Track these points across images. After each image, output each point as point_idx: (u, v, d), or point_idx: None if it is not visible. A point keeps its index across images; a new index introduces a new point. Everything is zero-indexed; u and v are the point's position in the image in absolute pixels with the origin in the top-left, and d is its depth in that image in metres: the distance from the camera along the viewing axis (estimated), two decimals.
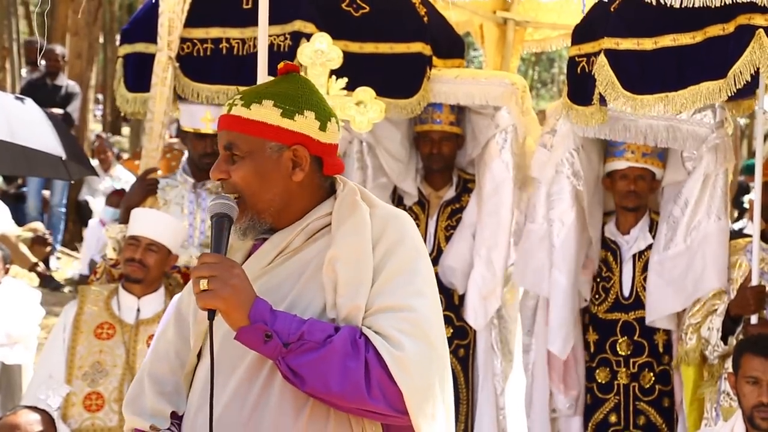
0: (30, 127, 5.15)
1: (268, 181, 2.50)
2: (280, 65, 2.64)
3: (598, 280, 5.27)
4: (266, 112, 2.50)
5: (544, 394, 5.34)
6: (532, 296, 5.41)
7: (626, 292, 5.20)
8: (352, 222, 2.50)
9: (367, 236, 2.48)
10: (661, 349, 5.13)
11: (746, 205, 9.24)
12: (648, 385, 5.16)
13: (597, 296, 5.26)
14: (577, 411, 5.29)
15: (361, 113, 4.11)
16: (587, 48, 4.77)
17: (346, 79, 4.09)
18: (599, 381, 5.24)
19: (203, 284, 2.34)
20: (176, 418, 2.58)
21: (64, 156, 5.12)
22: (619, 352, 5.20)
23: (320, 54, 4.03)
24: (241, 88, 2.95)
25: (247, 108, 2.51)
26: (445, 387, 2.48)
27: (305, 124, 2.52)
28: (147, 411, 2.60)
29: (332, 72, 4.17)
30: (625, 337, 5.19)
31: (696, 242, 4.96)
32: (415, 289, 2.46)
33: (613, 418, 5.21)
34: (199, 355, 2.60)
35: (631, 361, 5.18)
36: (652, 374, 5.15)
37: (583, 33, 4.88)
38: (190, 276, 2.40)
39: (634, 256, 5.21)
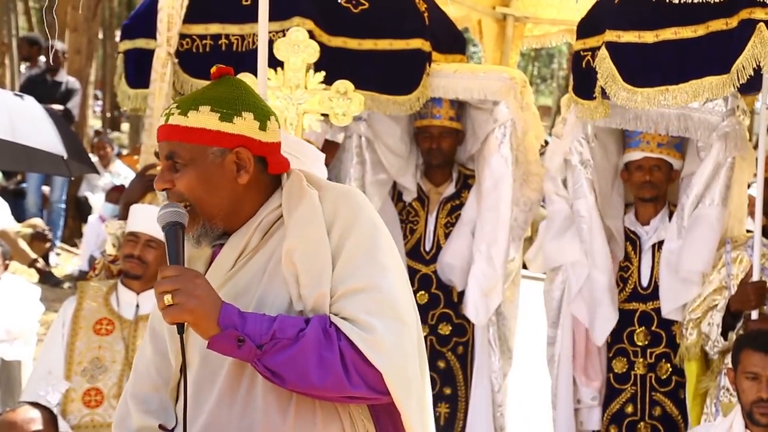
0: (31, 125, 5.15)
1: (214, 187, 2.49)
2: (213, 69, 2.61)
3: (617, 269, 5.28)
4: (204, 118, 2.47)
5: (569, 386, 5.33)
6: (557, 287, 5.39)
7: (645, 282, 5.20)
8: (302, 210, 2.48)
9: (319, 221, 2.46)
10: (678, 340, 5.10)
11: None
12: (665, 376, 5.15)
13: (615, 286, 5.27)
14: (600, 402, 5.30)
15: (340, 107, 4.10)
16: (592, 42, 4.77)
17: (323, 73, 4.09)
18: (616, 371, 5.25)
19: (168, 299, 2.32)
20: (165, 429, 2.59)
21: (65, 155, 5.12)
22: (637, 343, 5.20)
23: (297, 48, 4.03)
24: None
25: (184, 116, 2.48)
26: (419, 358, 2.48)
27: (245, 125, 2.50)
28: (135, 430, 2.61)
29: (329, 68, 4.16)
30: (643, 327, 5.19)
31: (689, 225, 4.98)
32: (377, 265, 2.45)
33: (629, 409, 5.21)
34: (181, 370, 2.58)
35: (649, 351, 5.18)
36: (669, 365, 5.14)
37: (587, 27, 4.87)
38: (154, 291, 2.37)
39: (653, 246, 5.21)
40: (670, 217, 5.20)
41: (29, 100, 5.40)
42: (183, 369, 2.38)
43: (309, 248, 2.44)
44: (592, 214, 5.20)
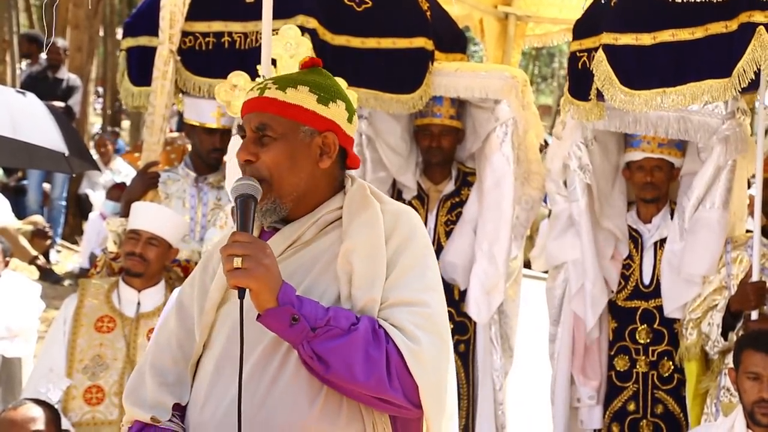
0: (33, 122, 5.15)
1: (297, 165, 2.54)
2: (305, 59, 2.70)
3: (619, 268, 5.28)
4: (303, 97, 2.55)
5: (566, 383, 5.35)
6: (559, 285, 5.41)
7: (646, 280, 5.21)
8: (365, 216, 2.53)
9: (380, 231, 2.51)
10: (679, 339, 5.10)
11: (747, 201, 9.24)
12: (667, 374, 5.15)
13: (617, 284, 5.27)
14: (599, 401, 5.30)
15: None
16: (588, 43, 4.77)
17: None
18: (618, 369, 5.25)
19: (237, 262, 2.33)
20: (177, 410, 2.57)
21: (66, 152, 5.13)
22: (639, 340, 5.20)
23: (289, 46, 4.05)
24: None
25: (282, 91, 2.55)
26: (451, 379, 2.54)
27: (338, 112, 2.59)
28: (147, 402, 2.59)
29: (332, 66, 4.14)
30: (645, 325, 5.19)
31: (690, 228, 4.98)
32: (427, 283, 2.51)
33: (631, 407, 5.21)
34: (204, 347, 2.59)
35: (650, 349, 5.18)
36: (671, 363, 5.13)
37: (584, 28, 4.87)
38: (221, 253, 2.38)
39: (655, 244, 5.21)
40: (672, 215, 5.20)
41: (31, 97, 5.40)
42: (241, 333, 2.36)
43: (367, 252, 2.49)
44: (582, 218, 5.21)
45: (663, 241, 5.19)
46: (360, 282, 2.46)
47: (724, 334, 4.71)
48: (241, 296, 2.36)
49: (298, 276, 2.50)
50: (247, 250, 2.34)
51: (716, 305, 4.80)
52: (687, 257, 4.95)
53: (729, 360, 4.51)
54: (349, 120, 2.62)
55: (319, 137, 2.55)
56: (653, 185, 5.16)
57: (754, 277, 4.60)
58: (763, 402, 4.09)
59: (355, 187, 2.60)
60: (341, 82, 4.14)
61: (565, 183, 5.33)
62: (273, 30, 3.81)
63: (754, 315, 4.59)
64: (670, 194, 5.28)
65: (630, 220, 5.31)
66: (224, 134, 5.30)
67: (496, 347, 5.44)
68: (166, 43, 5.13)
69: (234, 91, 3.86)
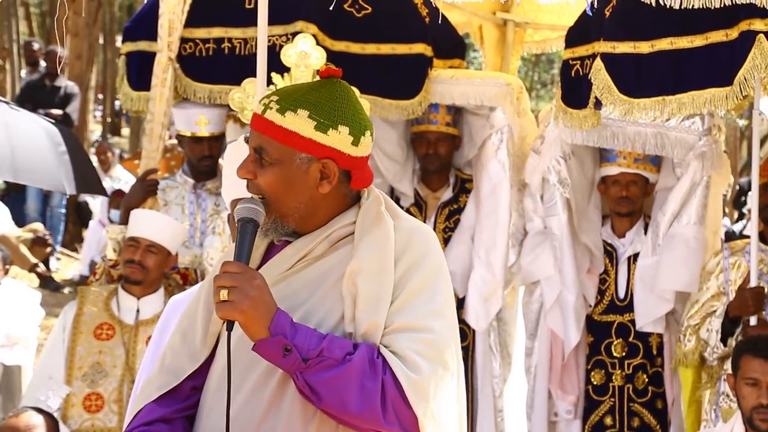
0: (34, 163, 5.12)
1: (294, 190, 2.47)
2: (322, 68, 2.57)
3: (597, 282, 5.29)
4: (300, 123, 2.44)
5: (544, 398, 5.35)
6: (535, 300, 5.41)
7: (621, 294, 5.22)
8: (376, 234, 2.47)
9: (390, 250, 2.45)
10: (654, 351, 5.17)
11: (748, 206, 9.27)
12: (642, 387, 5.18)
13: (594, 298, 5.28)
14: (577, 415, 5.31)
15: None
16: (581, 51, 4.77)
17: None
18: (594, 383, 5.26)
19: (223, 294, 2.31)
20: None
21: (71, 192, 5.11)
22: (614, 354, 5.21)
23: (304, 55, 4.05)
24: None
25: (281, 114, 2.45)
26: (457, 405, 2.48)
27: (338, 139, 2.46)
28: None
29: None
30: (620, 339, 5.21)
31: (665, 244, 5.00)
32: (434, 308, 2.44)
33: (608, 420, 5.22)
34: (212, 357, 2.57)
35: (626, 362, 5.20)
36: (645, 376, 5.17)
37: (576, 36, 4.88)
38: (214, 283, 2.35)
39: (629, 258, 5.23)
40: (646, 230, 5.22)
41: (34, 132, 5.30)
42: (228, 367, 2.34)
43: (374, 274, 2.43)
44: (563, 232, 5.22)
45: (637, 255, 5.20)
46: (364, 305, 2.41)
47: (724, 340, 4.71)
48: (229, 329, 2.33)
49: (304, 293, 2.46)
50: (235, 281, 2.31)
51: (714, 311, 4.81)
52: (662, 272, 4.97)
53: (728, 365, 4.51)
54: (355, 143, 2.47)
55: (317, 163, 2.45)
56: (628, 200, 5.17)
57: (752, 283, 4.61)
58: (761, 407, 4.09)
59: (369, 202, 2.52)
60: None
61: (541, 198, 5.34)
62: (277, 35, 3.83)
63: (753, 321, 4.59)
64: (644, 209, 5.30)
65: (604, 234, 5.33)
66: (212, 141, 5.32)
67: (495, 354, 5.45)
68: (164, 51, 5.13)
69: (248, 98, 3.89)
